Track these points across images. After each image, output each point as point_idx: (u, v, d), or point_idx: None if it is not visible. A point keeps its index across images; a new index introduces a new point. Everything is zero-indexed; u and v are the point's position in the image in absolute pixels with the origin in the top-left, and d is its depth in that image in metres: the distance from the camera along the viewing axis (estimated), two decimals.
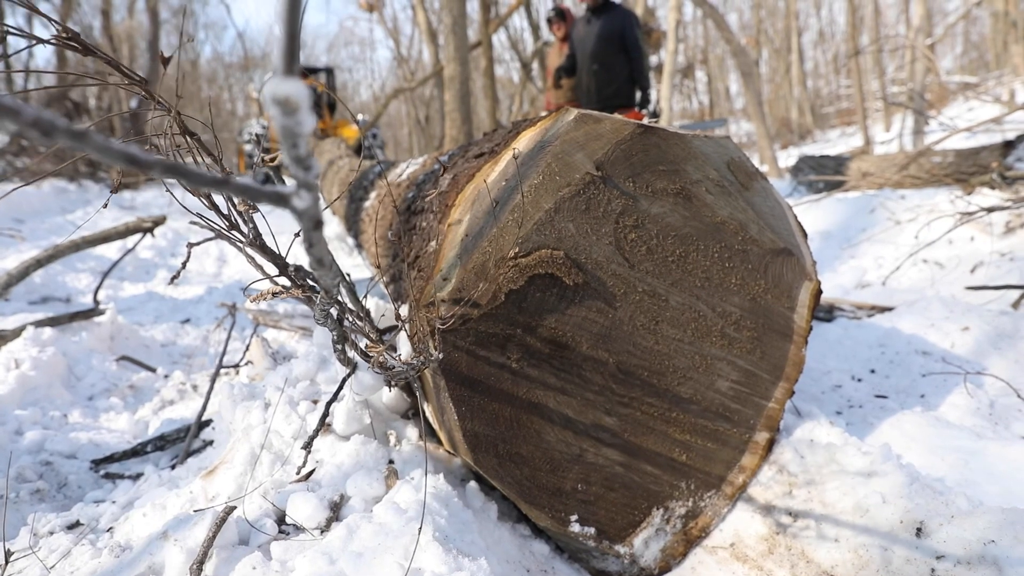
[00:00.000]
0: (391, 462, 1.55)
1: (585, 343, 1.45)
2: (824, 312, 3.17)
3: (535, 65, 18.97)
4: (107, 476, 2.22)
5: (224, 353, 2.60)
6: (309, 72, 15.67)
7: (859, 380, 2.43)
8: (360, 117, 15.63)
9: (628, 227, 1.45)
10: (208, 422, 2.31)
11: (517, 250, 1.35)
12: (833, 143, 21.42)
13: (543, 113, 2.09)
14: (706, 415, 1.59)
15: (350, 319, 1.26)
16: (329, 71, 16.28)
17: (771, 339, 1.62)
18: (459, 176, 1.53)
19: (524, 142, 1.41)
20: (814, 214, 5.20)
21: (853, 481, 1.61)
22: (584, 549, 1.53)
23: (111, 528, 1.69)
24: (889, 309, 3.08)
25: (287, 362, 2.18)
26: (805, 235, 1.66)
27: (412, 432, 1.66)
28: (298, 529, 1.40)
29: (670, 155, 1.46)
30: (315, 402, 1.71)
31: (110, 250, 5.85)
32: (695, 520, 1.61)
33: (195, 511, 1.47)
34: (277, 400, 1.70)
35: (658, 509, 1.56)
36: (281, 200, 0.42)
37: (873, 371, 2.52)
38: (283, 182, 1.59)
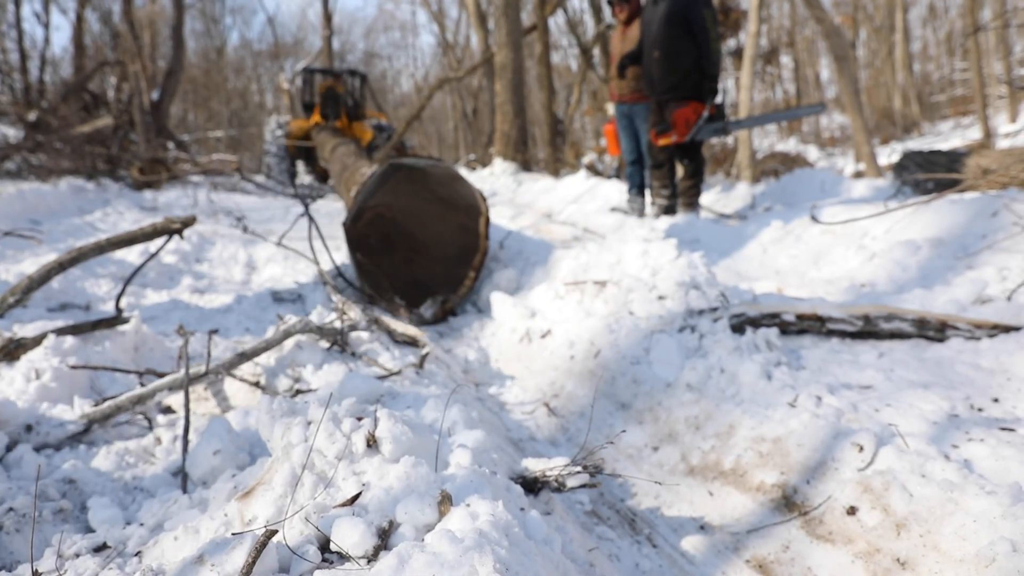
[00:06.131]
0: (444, 487, 1.58)
1: (397, 238, 4.81)
2: (934, 330, 3.10)
3: (596, 51, 19.02)
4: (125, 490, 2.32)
5: (188, 367, 2.72)
6: (339, 75, 18.56)
7: (979, 410, 2.37)
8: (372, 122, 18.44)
9: (415, 195, 4.83)
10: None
11: (374, 203, 4.77)
12: (945, 137, 20.83)
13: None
14: (447, 262, 4.83)
15: None
16: (363, 77, 19.31)
17: (470, 236, 4.80)
18: (365, 172, 5.39)
19: (378, 164, 4.44)
20: (923, 218, 5.07)
21: (975, 525, 1.58)
22: (407, 312, 4.63)
23: (139, 552, 1.77)
24: (1016, 329, 2.99)
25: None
26: (484, 197, 4.93)
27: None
28: (343, 557, 1.44)
29: (419, 175, 4.85)
30: (360, 419, 1.76)
31: (130, 254, 6.08)
32: (447, 303, 4.76)
33: (232, 534, 1.53)
34: (320, 417, 1.75)
35: (431, 297, 4.77)
36: None
37: (996, 400, 2.46)
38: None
